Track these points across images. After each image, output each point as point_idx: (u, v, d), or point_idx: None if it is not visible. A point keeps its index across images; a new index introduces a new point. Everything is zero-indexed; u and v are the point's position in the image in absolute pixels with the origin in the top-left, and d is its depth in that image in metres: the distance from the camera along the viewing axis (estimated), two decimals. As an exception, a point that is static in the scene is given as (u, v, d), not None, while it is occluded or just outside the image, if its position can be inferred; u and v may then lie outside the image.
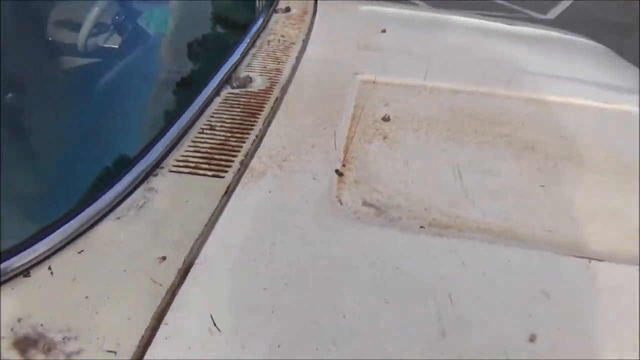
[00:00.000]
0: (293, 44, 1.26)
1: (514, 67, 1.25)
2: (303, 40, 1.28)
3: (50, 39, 1.20)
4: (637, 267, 0.66)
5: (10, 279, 0.57)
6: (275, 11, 1.51)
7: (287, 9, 1.54)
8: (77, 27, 1.21)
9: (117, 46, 1.26)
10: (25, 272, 0.58)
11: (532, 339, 0.57)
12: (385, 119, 0.96)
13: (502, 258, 0.66)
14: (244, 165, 0.79)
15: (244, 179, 0.76)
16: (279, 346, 0.54)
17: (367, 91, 1.07)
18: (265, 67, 1.12)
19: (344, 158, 0.84)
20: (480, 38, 1.47)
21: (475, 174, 0.83)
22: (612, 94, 1.13)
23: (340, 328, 0.56)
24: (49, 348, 0.52)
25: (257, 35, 1.28)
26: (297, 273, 0.62)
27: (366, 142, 0.89)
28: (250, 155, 0.81)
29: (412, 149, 0.89)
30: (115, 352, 0.52)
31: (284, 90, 1.03)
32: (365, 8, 1.69)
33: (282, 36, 1.30)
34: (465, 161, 0.86)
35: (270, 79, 1.06)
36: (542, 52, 1.41)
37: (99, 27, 1.26)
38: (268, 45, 1.24)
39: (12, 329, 0.53)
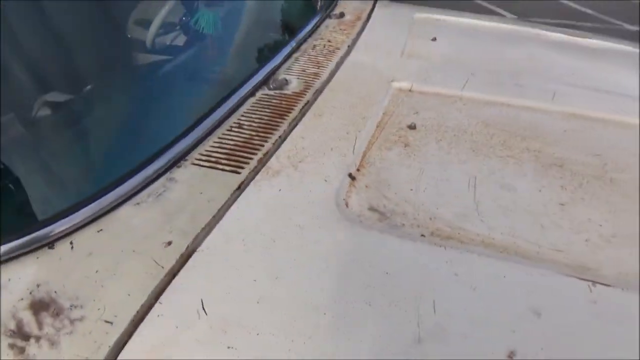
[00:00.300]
0: (337, 49, 1.29)
1: (563, 81, 1.20)
2: (348, 46, 1.31)
3: (129, 36, 1.32)
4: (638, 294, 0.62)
5: (37, 248, 0.65)
6: (329, 17, 1.55)
7: (342, 15, 1.57)
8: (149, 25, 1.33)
9: (181, 44, 1.36)
10: (50, 244, 0.66)
11: (511, 355, 0.56)
12: (411, 127, 0.97)
13: (497, 273, 0.65)
14: (262, 163, 0.83)
15: (258, 177, 0.80)
16: (257, 334, 0.57)
17: (400, 99, 1.08)
18: (304, 71, 1.16)
19: (360, 163, 0.86)
20: (536, 49, 1.42)
21: (490, 187, 0.82)
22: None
23: (318, 324, 0.58)
24: (57, 313, 0.59)
25: (304, 40, 1.33)
26: (288, 269, 0.65)
27: (386, 148, 0.91)
28: (269, 155, 0.86)
29: (431, 158, 0.89)
30: (111, 323, 0.58)
31: (317, 94, 1.06)
32: (421, 15, 1.68)
33: (329, 41, 1.34)
34: (483, 174, 0.85)
35: (306, 82, 1.10)
36: (599, 65, 1.34)
37: (166, 27, 1.36)
38: (313, 49, 1.28)
39: (30, 292, 0.61)
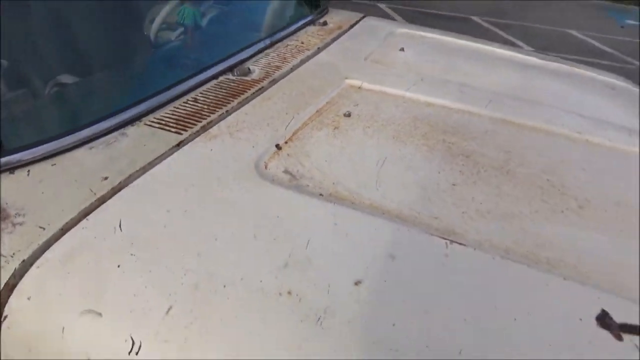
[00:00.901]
0: (307, 50, 1.44)
1: (505, 92, 1.31)
2: (318, 48, 1.46)
3: (145, 33, 1.51)
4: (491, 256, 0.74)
5: (1, 172, 0.81)
6: (312, 23, 1.71)
7: (324, 23, 1.73)
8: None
9: (172, 38, 1.54)
10: (11, 170, 0.81)
11: (357, 283, 0.68)
12: (347, 115, 1.10)
13: (371, 227, 0.78)
14: (204, 129, 0.98)
15: (197, 139, 0.95)
16: (157, 248, 0.71)
17: (348, 93, 1.22)
18: (269, 64, 1.31)
19: (289, 137, 1.00)
20: (493, 66, 1.55)
21: (397, 167, 0.95)
22: (594, 127, 1.17)
23: (208, 248, 0.72)
24: (4, 217, 0.74)
25: (280, 40, 1.48)
26: (197, 206, 0.79)
27: (317, 129, 1.04)
28: (212, 124, 1.00)
29: (353, 140, 1.02)
30: (44, 229, 0.72)
31: (273, 82, 1.21)
32: (404, 30, 1.82)
33: (302, 43, 1.49)
34: (394, 156, 0.98)
35: (267, 72, 1.25)
36: (549, 83, 1.45)
37: (169, 25, 1.54)
38: (285, 48, 1.43)
39: (-10, 202, 0.76)
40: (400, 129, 1.07)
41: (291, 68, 1.30)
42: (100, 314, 0.64)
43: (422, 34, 1.80)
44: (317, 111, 1.11)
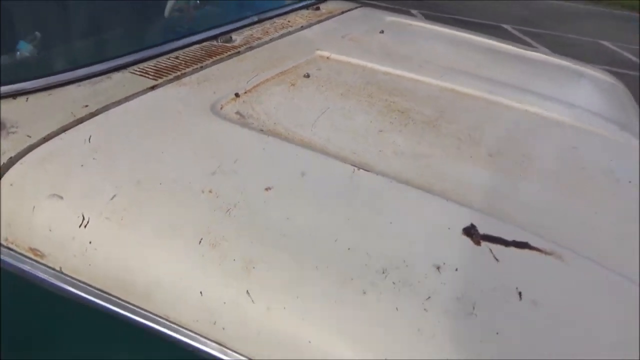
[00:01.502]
0: (291, 27, 1.61)
1: (464, 70, 1.44)
2: (301, 27, 1.63)
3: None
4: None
5: (7, 96, 1.00)
6: (306, 8, 1.88)
7: (317, 8, 1.89)
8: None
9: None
10: (13, 95, 1.01)
11: (268, 189, 0.84)
12: (306, 76, 1.26)
13: (293, 156, 0.93)
14: (177, 78, 1.16)
15: (168, 85, 1.12)
16: (114, 156, 0.88)
17: (315, 61, 1.38)
18: (251, 35, 1.48)
19: (249, 89, 1.16)
20: (471, 52, 1.67)
21: (335, 115, 1.10)
22: (538, 100, 1.28)
23: (155, 158, 0.89)
24: (3, 128, 0.93)
25: (269, 18, 1.66)
26: (154, 130, 0.96)
27: (276, 85, 1.20)
28: (184, 75, 1.18)
29: (304, 95, 1.17)
30: (30, 137, 0.91)
31: (249, 49, 1.38)
32: (393, 18, 1.97)
33: (288, 21, 1.66)
34: (336, 108, 1.13)
35: (247, 41, 1.43)
36: (519, 67, 1.57)
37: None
38: (271, 25, 1.61)
39: (-8, 117, 0.95)
40: (350, 90, 1.22)
41: (270, 39, 1.46)
42: (61, 197, 0.82)
43: (410, 22, 1.94)
44: (281, 72, 1.27)
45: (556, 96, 1.35)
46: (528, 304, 0.70)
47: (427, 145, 1.03)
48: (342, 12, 1.90)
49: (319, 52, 1.42)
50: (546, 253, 0.79)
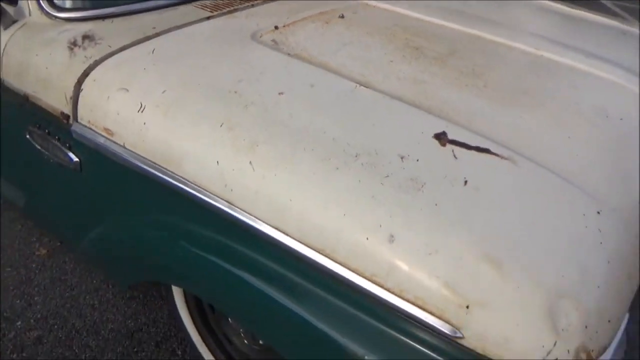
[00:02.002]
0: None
1: (493, 20, 1.53)
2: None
3: None
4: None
5: (92, 18, 1.28)
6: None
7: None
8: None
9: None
10: (102, 17, 1.29)
11: (280, 93, 1.04)
12: (340, 16, 1.43)
13: (307, 71, 1.12)
14: (229, 12, 1.38)
15: (222, 17, 1.36)
16: (171, 62, 1.13)
17: (356, 6, 1.54)
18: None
19: (288, 24, 1.36)
20: (511, 7, 1.74)
21: (355, 48, 1.27)
22: (557, 48, 1.36)
23: (199, 64, 1.12)
24: (92, 39, 1.21)
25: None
26: (203, 48, 1.20)
27: (312, 22, 1.39)
28: (237, 10, 1.40)
29: (334, 31, 1.35)
30: (110, 47, 1.18)
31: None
32: None
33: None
34: (359, 42, 1.30)
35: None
36: (548, 22, 1.63)
37: None
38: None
39: (82, 35, 1.24)
40: (376, 29, 1.38)
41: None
42: (127, 90, 1.08)
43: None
44: (320, 12, 1.45)
45: (577, 46, 1.41)
46: (470, 189, 0.86)
47: (429, 74, 1.17)
48: None
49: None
50: (503, 158, 0.93)
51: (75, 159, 1.24)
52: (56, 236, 1.74)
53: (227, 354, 1.40)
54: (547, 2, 1.82)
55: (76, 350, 1.56)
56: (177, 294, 1.39)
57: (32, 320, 1.64)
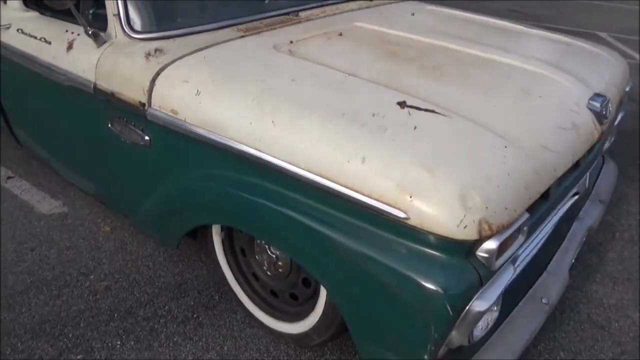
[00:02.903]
0: (344, 9, 2.28)
1: (464, 37, 2.00)
2: (351, 9, 2.29)
3: None
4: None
5: (165, 38, 1.79)
6: (364, -1, 2.53)
7: None
8: None
9: None
10: (167, 38, 1.80)
11: (293, 80, 1.51)
12: (340, 34, 1.92)
13: (313, 69, 1.59)
14: (257, 33, 1.88)
15: (251, 36, 1.85)
16: (218, 66, 1.62)
17: (352, 28, 2.03)
18: (313, 13, 2.17)
19: (299, 39, 1.85)
20: (476, 27, 2.21)
21: (348, 53, 1.74)
22: (507, 54, 1.81)
23: (236, 66, 1.61)
24: (160, 52, 1.71)
25: (330, 3, 2.34)
26: (238, 54, 1.68)
27: (318, 38, 1.88)
28: (262, 32, 1.90)
29: (334, 43, 1.83)
30: (174, 56, 1.68)
31: (309, 20, 2.07)
32: (429, 7, 2.56)
33: (344, 6, 2.33)
34: (350, 50, 1.77)
35: (308, 16, 2.12)
36: (508, 38, 2.08)
37: None
38: (329, 7, 2.29)
39: (153, 50, 1.74)
40: (364, 42, 1.86)
41: (325, 15, 2.15)
42: (187, 81, 1.57)
43: (441, 9, 2.51)
44: (324, 32, 1.94)
45: (525, 53, 1.86)
46: (418, 131, 1.29)
47: (399, 68, 1.63)
48: (390, 3, 2.53)
49: (355, 23, 2.08)
50: (442, 115, 1.36)
51: (147, 137, 1.72)
52: (121, 211, 2.20)
53: (252, 288, 1.82)
54: (499, 21, 2.29)
55: (137, 295, 2.00)
56: (217, 244, 1.83)
57: (102, 275, 2.10)
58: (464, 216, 1.13)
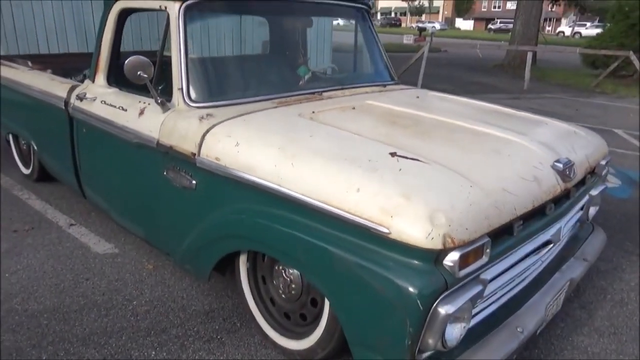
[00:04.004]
0: (360, 92, 2.79)
1: (458, 114, 2.44)
2: (366, 92, 2.80)
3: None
4: None
5: (210, 107, 2.31)
6: (376, 85, 3.06)
7: (384, 86, 3.06)
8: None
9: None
10: (213, 107, 2.31)
11: (311, 136, 1.95)
12: (352, 108, 2.39)
13: (329, 129, 2.04)
14: (287, 104, 2.37)
15: (282, 107, 2.34)
16: (252, 127, 2.10)
17: (362, 105, 2.51)
18: (334, 93, 2.68)
19: (319, 111, 2.32)
20: (467, 108, 2.67)
21: (357, 122, 2.19)
22: (488, 127, 2.23)
23: (263, 128, 2.08)
24: (209, 116, 2.21)
25: (349, 87, 2.86)
26: (270, 120, 2.16)
27: (335, 110, 2.35)
28: (290, 104, 2.39)
29: (347, 114, 2.30)
30: (220, 118, 2.17)
31: (330, 99, 2.57)
32: (432, 93, 3.05)
33: (361, 89, 2.84)
34: (360, 119, 2.22)
35: (330, 95, 2.63)
36: (495, 117, 2.52)
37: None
38: (349, 90, 2.80)
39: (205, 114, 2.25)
40: (372, 114, 2.32)
41: (343, 95, 2.65)
42: (230, 136, 2.03)
43: (441, 95, 3.00)
44: (340, 107, 2.42)
45: (505, 126, 2.26)
46: (402, 172, 1.68)
47: (395, 131, 2.06)
48: (401, 90, 3.04)
49: (367, 101, 2.56)
50: (424, 162, 1.75)
51: (194, 181, 2.17)
52: (164, 249, 2.59)
53: (269, 311, 2.14)
54: (490, 105, 2.73)
55: (171, 318, 2.33)
56: (243, 273, 2.19)
57: (143, 302, 2.46)
58: (432, 230, 1.48)
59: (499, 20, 52.72)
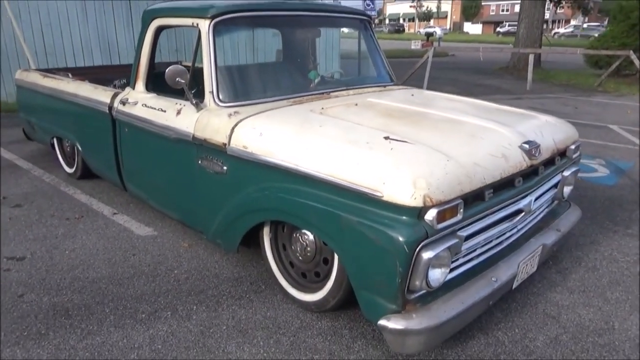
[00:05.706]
0: (362, 92, 3.24)
1: (450, 108, 2.89)
2: (367, 92, 3.25)
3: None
4: None
5: (237, 106, 2.77)
6: (377, 85, 3.51)
7: (384, 86, 3.52)
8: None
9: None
10: (239, 106, 2.78)
11: (321, 126, 2.41)
12: (355, 105, 2.84)
13: (335, 120, 2.50)
14: (299, 102, 2.84)
15: (295, 105, 2.80)
16: (272, 120, 2.56)
17: (365, 102, 2.96)
18: (340, 92, 3.14)
19: (327, 107, 2.78)
20: (458, 104, 3.11)
21: (358, 115, 2.64)
22: (469, 118, 2.66)
23: (281, 118, 2.54)
24: (237, 113, 2.68)
25: (353, 87, 3.31)
26: (283, 116, 2.62)
27: (340, 107, 2.80)
28: (302, 103, 2.85)
29: (350, 109, 2.75)
30: (246, 115, 2.64)
31: (336, 97, 3.03)
32: (427, 92, 3.49)
33: (363, 89, 3.29)
34: (361, 113, 2.67)
35: (337, 94, 3.08)
36: (479, 110, 2.96)
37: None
38: (352, 89, 3.26)
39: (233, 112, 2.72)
40: (372, 109, 2.77)
41: (347, 94, 3.11)
42: (254, 128, 2.50)
43: (434, 93, 3.44)
44: (345, 104, 2.87)
45: (484, 117, 2.69)
46: (393, 149, 2.12)
47: (391, 121, 2.51)
48: (399, 89, 3.49)
49: (368, 99, 3.01)
50: (411, 144, 2.19)
51: (225, 167, 2.63)
52: (198, 227, 3.05)
53: (289, 273, 2.59)
54: (477, 100, 3.17)
55: (207, 282, 2.80)
56: (267, 242, 2.65)
57: (182, 271, 2.92)
58: (414, 192, 1.92)
59: (507, 24, 52.97)
